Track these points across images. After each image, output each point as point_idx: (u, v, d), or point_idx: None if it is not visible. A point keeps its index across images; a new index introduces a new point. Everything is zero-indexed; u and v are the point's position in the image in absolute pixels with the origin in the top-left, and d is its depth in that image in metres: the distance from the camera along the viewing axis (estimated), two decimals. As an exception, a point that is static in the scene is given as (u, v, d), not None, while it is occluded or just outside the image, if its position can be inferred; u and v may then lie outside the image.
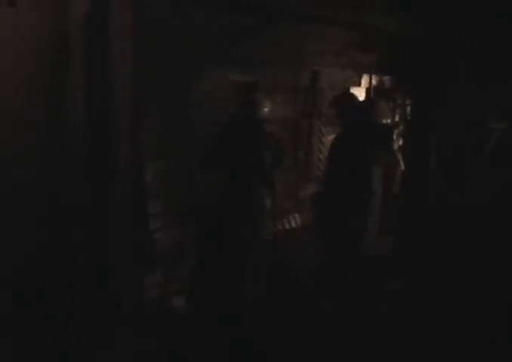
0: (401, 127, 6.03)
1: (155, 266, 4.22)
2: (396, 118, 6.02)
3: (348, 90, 5.74)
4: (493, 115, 5.08)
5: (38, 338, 2.47)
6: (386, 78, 6.21)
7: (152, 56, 3.79)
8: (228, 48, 4.60)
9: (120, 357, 2.72)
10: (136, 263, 2.97)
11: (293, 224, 5.40)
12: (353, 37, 5.70)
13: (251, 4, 4.18)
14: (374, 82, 6.09)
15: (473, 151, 5.28)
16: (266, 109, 4.25)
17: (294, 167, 5.53)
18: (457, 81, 5.38)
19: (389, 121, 4.21)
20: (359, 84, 6.18)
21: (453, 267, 4.80)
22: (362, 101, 4.89)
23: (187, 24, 4.20)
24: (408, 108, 6.10)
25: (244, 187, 4.20)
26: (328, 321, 4.18)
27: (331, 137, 5.00)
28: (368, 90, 6.04)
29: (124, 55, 2.61)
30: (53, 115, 2.47)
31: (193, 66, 4.32)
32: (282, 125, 5.35)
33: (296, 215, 5.40)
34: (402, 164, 4.26)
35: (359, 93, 5.97)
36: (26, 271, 2.43)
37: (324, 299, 4.46)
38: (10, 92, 2.33)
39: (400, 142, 6.05)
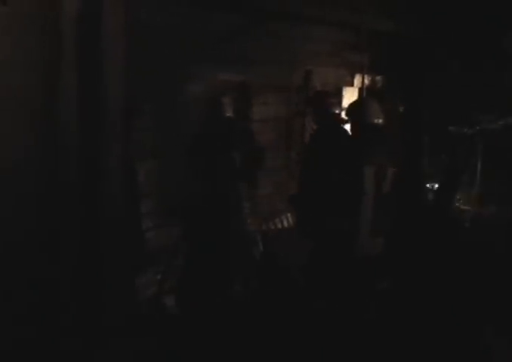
0: (393, 127, 6.06)
1: (147, 266, 4.23)
2: (389, 118, 6.04)
3: (338, 89, 5.77)
4: (485, 115, 5.12)
5: (32, 337, 2.48)
6: (378, 78, 6.24)
7: (144, 56, 3.80)
8: (221, 48, 4.61)
9: (114, 357, 2.73)
10: (128, 262, 2.98)
11: (285, 223, 5.41)
12: (346, 37, 5.73)
13: (245, 4, 4.20)
14: (366, 82, 6.12)
15: (465, 152, 5.31)
16: (231, 111, 4.29)
17: (286, 167, 5.54)
18: (449, 82, 5.42)
19: (381, 120, 4.21)
20: (351, 84, 6.21)
21: (445, 267, 4.83)
22: (354, 101, 4.90)
23: (179, 24, 4.21)
24: (401, 108, 6.14)
25: (219, 188, 4.23)
26: (319, 320, 4.20)
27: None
28: (360, 90, 6.07)
29: (116, 55, 2.62)
30: (45, 115, 2.48)
31: (186, 66, 4.33)
32: (274, 125, 5.37)
33: (288, 214, 5.41)
34: (393, 164, 4.27)
35: (352, 93, 6.00)
36: (17, 269, 2.43)
37: (316, 298, 4.48)
38: (2, 91, 2.34)
39: (393, 143, 6.08)
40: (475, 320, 4.12)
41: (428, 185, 5.60)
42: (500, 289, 4.34)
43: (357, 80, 6.16)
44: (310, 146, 4.66)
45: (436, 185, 5.55)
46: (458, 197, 5.38)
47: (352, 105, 4.53)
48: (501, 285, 4.39)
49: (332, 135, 4.43)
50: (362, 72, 5.97)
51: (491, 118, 4.95)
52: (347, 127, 4.61)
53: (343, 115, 5.07)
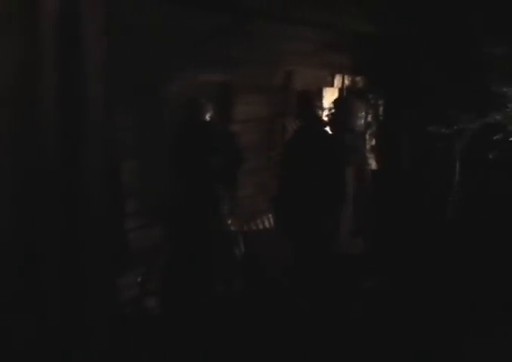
0: (373, 127, 6.13)
1: (129, 266, 4.23)
2: (369, 118, 6.11)
3: (319, 89, 5.80)
4: (463, 115, 5.18)
5: (11, 337, 2.48)
6: (359, 79, 6.30)
7: (125, 56, 3.80)
8: (202, 48, 4.61)
9: (96, 358, 2.74)
10: (111, 263, 2.99)
11: (267, 224, 5.42)
12: (326, 37, 5.77)
13: (224, 3, 4.22)
14: (347, 82, 6.17)
15: (445, 151, 5.37)
16: (209, 113, 4.32)
17: (268, 168, 5.56)
18: (428, 81, 5.48)
19: (361, 120, 4.26)
20: (331, 85, 6.24)
21: (430, 264, 4.87)
22: (335, 99, 4.93)
23: (159, 24, 4.22)
24: (381, 109, 6.20)
25: (200, 188, 4.25)
26: (304, 320, 4.23)
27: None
28: (340, 91, 6.12)
29: (96, 55, 2.62)
30: (25, 116, 2.48)
31: (166, 66, 4.33)
32: (256, 125, 5.38)
33: (270, 215, 5.42)
34: (372, 163, 4.32)
35: (332, 93, 6.05)
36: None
37: (299, 299, 4.51)
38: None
39: (373, 142, 6.14)
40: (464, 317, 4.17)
41: (408, 186, 5.66)
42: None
43: (337, 80, 6.20)
44: (291, 147, 4.70)
45: (416, 186, 5.61)
46: (436, 197, 5.44)
47: (334, 104, 4.57)
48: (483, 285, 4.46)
49: (313, 135, 4.47)
50: (343, 73, 6.03)
51: (469, 117, 5.00)
52: (328, 127, 4.66)
53: (324, 115, 5.13)
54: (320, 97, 5.56)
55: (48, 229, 2.53)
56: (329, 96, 6.04)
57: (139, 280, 4.34)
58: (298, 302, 4.42)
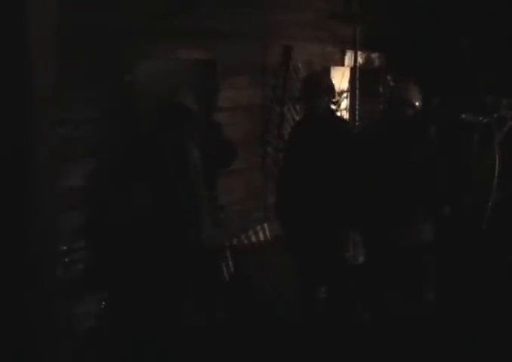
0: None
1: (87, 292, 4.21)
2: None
3: (326, 69, 5.79)
4: (504, 100, 5.17)
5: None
6: (374, 56, 6.28)
7: (83, 28, 3.77)
8: (180, 18, 4.59)
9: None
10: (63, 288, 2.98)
11: (261, 236, 5.39)
12: (333, 4, 5.75)
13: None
14: (360, 60, 6.15)
15: (482, 144, 5.37)
16: (188, 99, 4.30)
17: (261, 166, 5.55)
18: (462, 59, 5.47)
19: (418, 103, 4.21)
20: (341, 63, 6.23)
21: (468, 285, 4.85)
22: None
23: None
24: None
25: (170, 193, 4.23)
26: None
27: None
28: (353, 70, 6.10)
29: (45, 45, 2.59)
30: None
31: (136, 41, 4.30)
32: (246, 114, 5.36)
33: (265, 225, 5.39)
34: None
35: (342, 74, 6.03)
36: None
37: (303, 334, 4.49)
38: None
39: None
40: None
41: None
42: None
43: (348, 58, 6.19)
44: (294, 140, 4.67)
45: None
46: (470, 199, 5.42)
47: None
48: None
49: (322, 126, 4.45)
50: (355, 48, 6.01)
51: (511, 104, 5.00)
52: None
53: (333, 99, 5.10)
54: (328, 78, 5.55)
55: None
56: (339, 76, 6.02)
57: (102, 305, 4.32)
58: (300, 339, 4.40)
